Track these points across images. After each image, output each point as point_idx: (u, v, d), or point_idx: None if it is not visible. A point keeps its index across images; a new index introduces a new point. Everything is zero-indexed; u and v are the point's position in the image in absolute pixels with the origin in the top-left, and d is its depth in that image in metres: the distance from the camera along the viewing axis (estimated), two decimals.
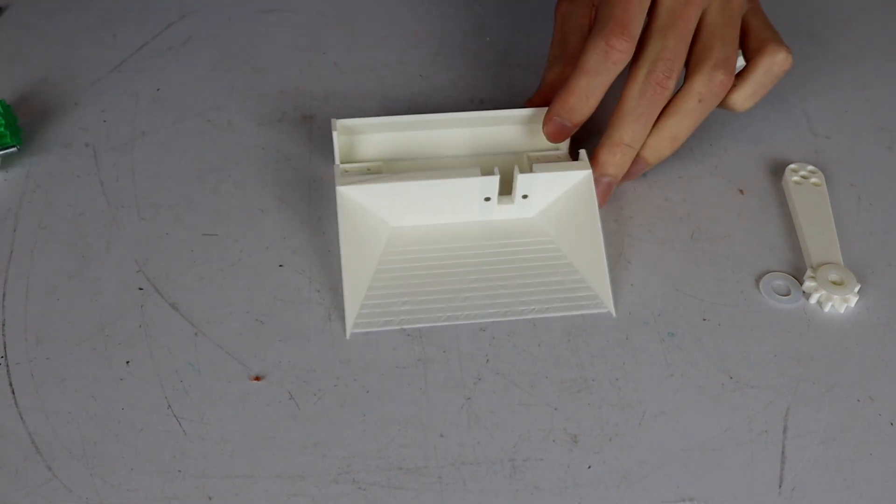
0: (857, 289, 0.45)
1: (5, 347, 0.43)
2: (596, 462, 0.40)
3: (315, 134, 0.53)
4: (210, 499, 0.39)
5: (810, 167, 0.51)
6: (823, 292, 0.45)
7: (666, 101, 0.46)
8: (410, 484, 0.39)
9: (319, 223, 0.48)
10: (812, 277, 0.46)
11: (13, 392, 0.42)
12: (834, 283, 0.45)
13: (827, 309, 0.45)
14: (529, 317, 0.44)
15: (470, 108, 0.54)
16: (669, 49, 0.45)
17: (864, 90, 0.56)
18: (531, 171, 0.46)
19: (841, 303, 0.45)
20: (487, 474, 0.40)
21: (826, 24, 0.61)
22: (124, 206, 0.48)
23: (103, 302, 0.45)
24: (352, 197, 0.45)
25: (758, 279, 0.47)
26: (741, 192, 0.50)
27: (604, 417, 0.41)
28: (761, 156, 0.52)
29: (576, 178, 0.46)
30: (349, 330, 0.44)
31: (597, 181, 0.46)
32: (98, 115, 0.53)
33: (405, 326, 0.44)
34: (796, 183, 0.50)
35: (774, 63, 0.47)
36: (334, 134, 0.47)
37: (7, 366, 0.42)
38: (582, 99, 0.46)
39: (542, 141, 0.49)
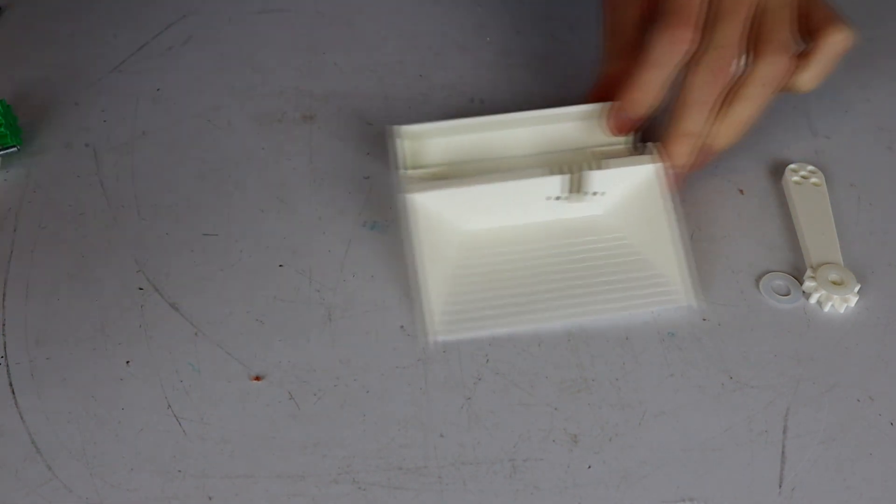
0: (857, 289, 0.45)
1: (5, 347, 0.43)
2: (596, 462, 0.40)
3: (315, 134, 0.53)
4: (210, 499, 0.39)
5: (810, 167, 0.51)
6: (823, 292, 0.45)
7: (727, 89, 0.46)
8: (410, 484, 0.39)
9: (319, 223, 0.48)
10: (812, 277, 0.46)
11: (13, 392, 0.42)
12: (834, 283, 0.45)
13: (827, 309, 0.45)
14: (613, 315, 0.44)
15: (469, 108, 0.54)
16: (729, 36, 0.45)
17: (864, 90, 0.56)
18: (600, 167, 0.46)
19: (841, 303, 0.45)
20: (487, 474, 0.40)
21: None
22: (124, 206, 0.48)
23: (103, 302, 0.45)
24: (423, 203, 0.45)
25: (758, 279, 0.47)
26: (741, 192, 0.50)
27: (604, 417, 0.41)
28: (761, 156, 0.52)
29: (646, 172, 0.46)
30: (432, 338, 0.43)
31: (665, 172, 0.46)
32: (98, 115, 0.53)
33: (490, 332, 0.44)
34: (796, 183, 0.50)
35: (837, 42, 0.47)
36: (398, 141, 0.47)
37: (7, 366, 0.42)
38: (647, 92, 0.46)
39: (606, 136, 0.48)
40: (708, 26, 0.45)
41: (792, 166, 0.51)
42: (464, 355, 0.43)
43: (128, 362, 0.43)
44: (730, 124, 0.47)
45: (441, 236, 0.46)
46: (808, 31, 0.48)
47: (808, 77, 0.48)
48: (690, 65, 0.46)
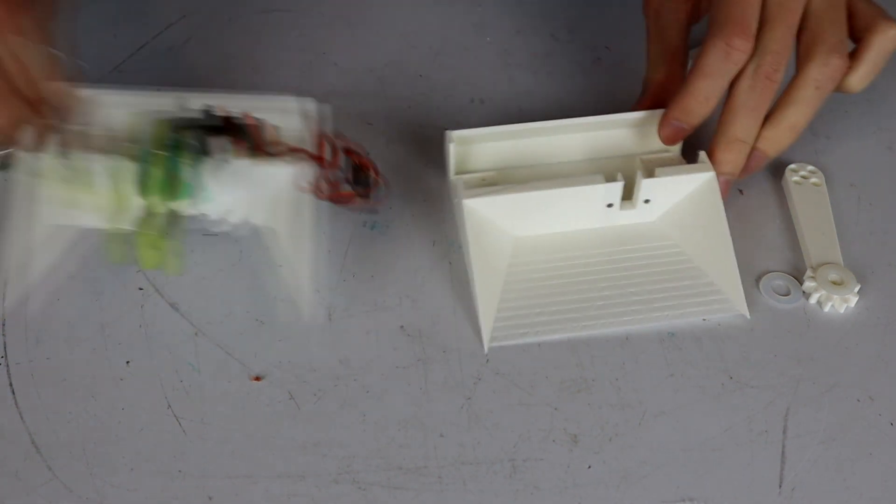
0: (856, 289, 0.45)
1: (5, 347, 0.43)
2: (596, 462, 0.40)
3: None
4: (210, 499, 0.39)
5: (810, 167, 0.51)
6: (823, 292, 0.45)
7: (776, 94, 0.46)
8: (410, 484, 0.39)
9: (320, 223, 0.48)
10: (812, 277, 0.46)
11: (13, 392, 0.42)
12: (834, 283, 0.45)
13: (827, 309, 0.45)
14: (665, 323, 0.44)
15: (469, 108, 0.54)
16: (777, 41, 0.45)
17: (864, 90, 0.56)
18: (654, 175, 0.46)
19: (841, 303, 0.45)
20: (487, 474, 0.40)
21: None
22: None
23: (103, 302, 0.45)
24: (477, 209, 0.45)
25: (758, 279, 0.47)
26: (741, 192, 0.50)
27: (604, 417, 0.41)
28: None
29: (699, 181, 0.46)
30: (486, 344, 0.43)
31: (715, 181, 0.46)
32: None
33: (542, 339, 0.44)
34: (796, 183, 0.50)
35: (887, 40, 0.47)
36: (451, 146, 0.47)
37: (7, 366, 0.42)
38: (701, 101, 0.45)
39: (654, 143, 0.48)
40: (757, 32, 0.45)
41: (792, 166, 0.51)
42: (464, 355, 0.43)
43: (128, 362, 0.43)
44: (783, 129, 0.47)
45: (494, 242, 0.46)
46: (855, 31, 0.47)
47: (858, 77, 0.47)
48: (739, 70, 0.46)
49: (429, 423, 0.41)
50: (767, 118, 0.47)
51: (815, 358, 0.44)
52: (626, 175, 0.46)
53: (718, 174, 0.46)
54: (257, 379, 0.42)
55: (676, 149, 0.50)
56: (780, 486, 0.40)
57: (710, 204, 0.46)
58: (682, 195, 0.47)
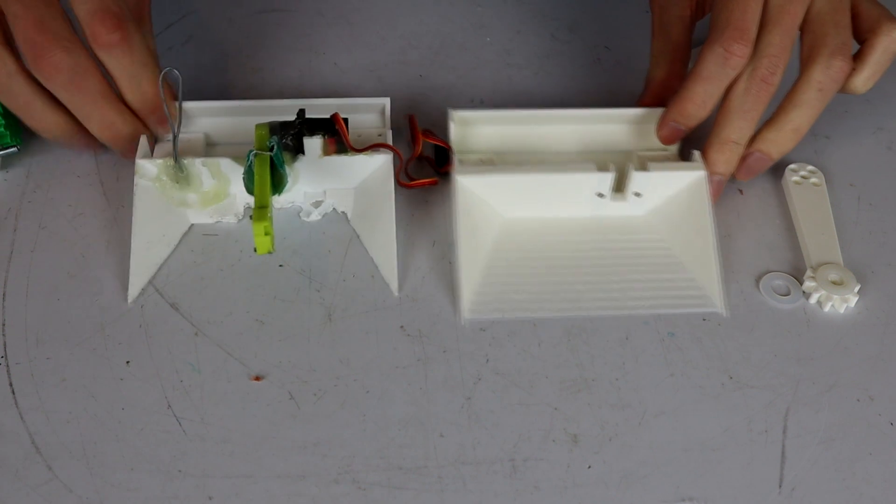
0: (856, 289, 0.45)
1: (5, 347, 0.43)
2: (596, 462, 0.40)
3: None
4: (210, 499, 0.39)
5: (810, 167, 0.51)
6: (823, 292, 0.45)
7: (771, 97, 0.46)
8: (410, 484, 0.39)
9: (319, 223, 0.48)
10: (812, 277, 0.46)
11: (13, 392, 0.42)
12: (834, 282, 0.45)
13: (827, 309, 0.45)
14: (641, 312, 0.45)
15: (469, 108, 0.54)
16: (774, 45, 0.45)
17: None
18: (646, 168, 0.46)
19: (841, 303, 0.45)
20: (487, 474, 0.40)
21: None
22: (124, 206, 0.48)
23: (103, 302, 0.45)
24: (468, 186, 0.46)
25: (758, 279, 0.47)
26: (741, 192, 0.50)
27: (604, 417, 0.41)
28: None
29: (690, 178, 0.47)
30: (464, 316, 0.44)
31: (707, 180, 0.46)
32: None
33: (518, 315, 0.44)
34: (796, 183, 0.50)
35: (892, 41, 0.47)
36: (451, 124, 0.48)
37: (7, 366, 0.42)
38: (698, 105, 0.46)
39: (652, 141, 0.49)
40: (757, 34, 0.45)
41: (792, 166, 0.51)
42: (464, 355, 0.43)
43: (128, 362, 0.43)
44: (786, 132, 0.47)
45: (482, 220, 0.46)
46: (859, 32, 0.48)
47: (863, 79, 0.48)
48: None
49: (429, 423, 0.41)
50: (770, 120, 0.47)
51: (815, 358, 0.44)
52: (620, 168, 0.47)
53: (711, 174, 0.47)
54: (257, 379, 0.42)
55: (674, 148, 0.50)
56: (780, 486, 0.40)
57: (698, 202, 0.46)
58: (672, 191, 0.47)
